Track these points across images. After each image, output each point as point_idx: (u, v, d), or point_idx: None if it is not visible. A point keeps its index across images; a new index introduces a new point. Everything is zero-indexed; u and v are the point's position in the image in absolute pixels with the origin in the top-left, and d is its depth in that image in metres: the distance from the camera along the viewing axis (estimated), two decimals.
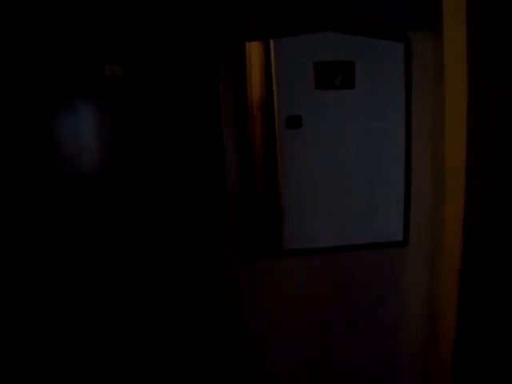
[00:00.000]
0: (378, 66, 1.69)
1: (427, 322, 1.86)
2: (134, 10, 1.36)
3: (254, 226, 1.68)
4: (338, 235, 1.75)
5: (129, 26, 1.35)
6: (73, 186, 1.27)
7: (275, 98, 1.59)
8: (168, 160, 1.47)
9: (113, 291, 1.36)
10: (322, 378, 1.85)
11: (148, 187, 1.43)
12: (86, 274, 1.29)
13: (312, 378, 1.84)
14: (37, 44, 1.17)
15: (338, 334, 1.84)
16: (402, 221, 1.79)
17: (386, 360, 1.88)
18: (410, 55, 1.67)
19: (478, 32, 1.22)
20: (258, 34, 1.58)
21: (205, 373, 1.56)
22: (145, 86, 1.40)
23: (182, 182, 1.50)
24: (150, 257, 1.43)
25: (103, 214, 1.33)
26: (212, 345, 1.59)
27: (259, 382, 1.81)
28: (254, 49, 1.58)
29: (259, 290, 1.75)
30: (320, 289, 1.79)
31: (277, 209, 1.69)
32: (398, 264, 1.85)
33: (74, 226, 1.27)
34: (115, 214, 1.36)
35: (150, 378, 1.45)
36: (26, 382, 1.13)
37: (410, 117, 1.73)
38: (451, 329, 1.41)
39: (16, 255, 1.13)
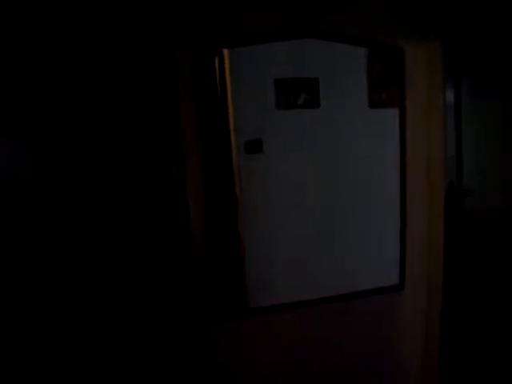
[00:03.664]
0: (346, 81, 1.41)
1: None
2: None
3: (210, 281, 1.36)
4: (314, 285, 1.44)
5: None
6: None
7: (231, 120, 1.28)
8: None
9: None
10: None
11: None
12: None
13: None
14: None
15: None
16: (396, 259, 1.53)
17: None
18: (403, 65, 1.46)
19: None
20: (232, 40, 1.26)
21: None
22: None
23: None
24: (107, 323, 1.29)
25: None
26: None
27: None
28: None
29: (221, 361, 1.41)
30: (294, 353, 1.47)
31: (237, 257, 1.37)
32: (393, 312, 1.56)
33: None
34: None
35: None
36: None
37: (404, 138, 1.48)
38: None
39: None
